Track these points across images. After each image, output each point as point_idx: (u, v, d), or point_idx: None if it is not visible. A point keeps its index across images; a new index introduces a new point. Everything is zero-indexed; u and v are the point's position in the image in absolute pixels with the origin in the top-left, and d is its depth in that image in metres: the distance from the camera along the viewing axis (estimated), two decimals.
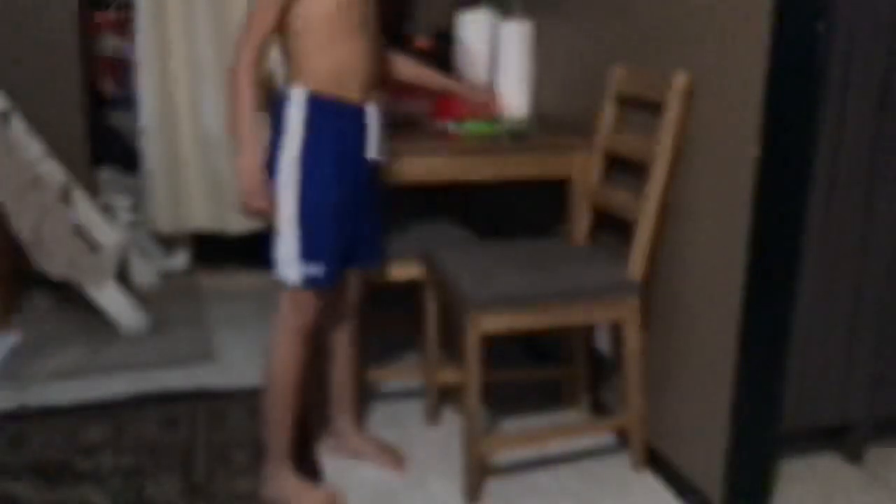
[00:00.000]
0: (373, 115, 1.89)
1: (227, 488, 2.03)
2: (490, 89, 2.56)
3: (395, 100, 2.27)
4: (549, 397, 2.50)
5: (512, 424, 2.38)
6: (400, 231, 2.34)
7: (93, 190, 3.49)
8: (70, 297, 3.05)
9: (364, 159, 1.90)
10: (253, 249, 2.82)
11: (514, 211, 2.97)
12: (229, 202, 3.34)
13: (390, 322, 2.91)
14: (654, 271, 2.09)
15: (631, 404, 2.10)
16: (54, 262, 2.88)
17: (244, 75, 1.74)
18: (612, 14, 2.24)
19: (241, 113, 1.75)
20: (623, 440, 2.24)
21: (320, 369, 2.16)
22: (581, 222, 2.30)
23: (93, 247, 3.13)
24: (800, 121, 1.73)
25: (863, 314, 2.01)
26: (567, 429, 2.33)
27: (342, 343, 2.14)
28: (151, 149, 3.39)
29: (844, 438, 2.20)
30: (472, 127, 2.33)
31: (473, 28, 2.68)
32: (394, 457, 2.17)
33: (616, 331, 2.24)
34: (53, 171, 3.15)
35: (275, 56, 1.85)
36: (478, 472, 2.02)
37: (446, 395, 2.40)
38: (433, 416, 2.39)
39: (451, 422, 2.38)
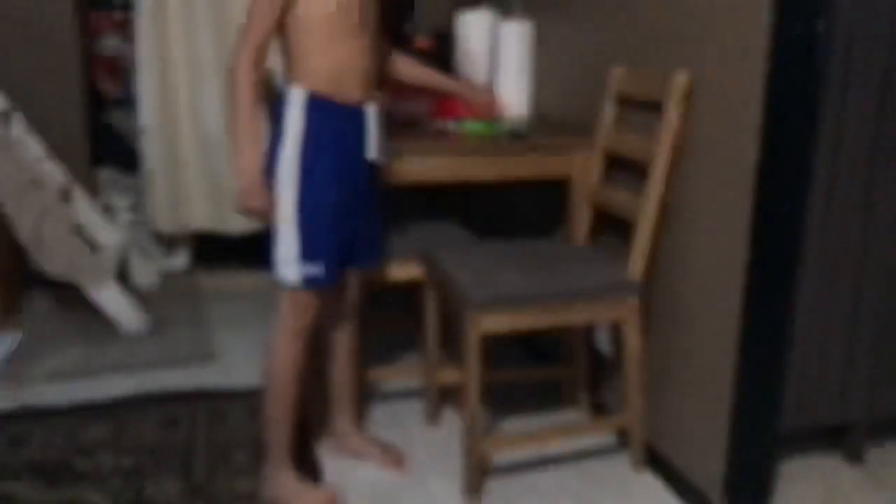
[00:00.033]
0: (372, 115, 1.89)
1: (227, 488, 2.03)
2: (490, 89, 2.56)
3: (395, 100, 2.27)
4: (549, 397, 2.50)
5: (512, 424, 2.38)
6: (400, 231, 2.34)
7: (93, 190, 3.50)
8: (70, 297, 3.05)
9: (363, 159, 1.90)
10: (253, 249, 2.82)
11: (514, 211, 2.97)
12: (229, 202, 3.34)
13: (390, 322, 2.91)
14: (654, 271, 2.10)
15: (631, 404, 2.10)
16: (54, 262, 2.88)
17: (244, 75, 1.74)
18: (612, 14, 2.24)
19: (241, 113, 1.75)
20: (623, 440, 2.24)
21: (320, 369, 2.16)
22: (581, 222, 2.30)
23: (93, 247, 3.12)
24: (800, 121, 1.73)
25: (863, 314, 2.01)
26: (567, 429, 2.34)
27: (342, 343, 2.14)
28: (151, 149, 3.39)
29: (844, 438, 2.20)
30: (472, 127, 2.33)
31: (473, 28, 2.68)
32: (394, 457, 2.17)
33: (616, 331, 2.24)
34: (53, 171, 3.15)
35: (275, 56, 1.85)
36: (478, 472, 2.02)
37: (446, 395, 2.40)
38: (433, 416, 2.39)
39: (451, 422, 2.38)
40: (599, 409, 2.44)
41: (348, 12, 1.79)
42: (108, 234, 3.25)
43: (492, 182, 2.35)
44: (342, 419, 2.20)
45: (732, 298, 1.83)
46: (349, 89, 1.83)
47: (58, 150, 3.27)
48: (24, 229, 2.83)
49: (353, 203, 1.89)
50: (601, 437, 2.31)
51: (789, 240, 1.80)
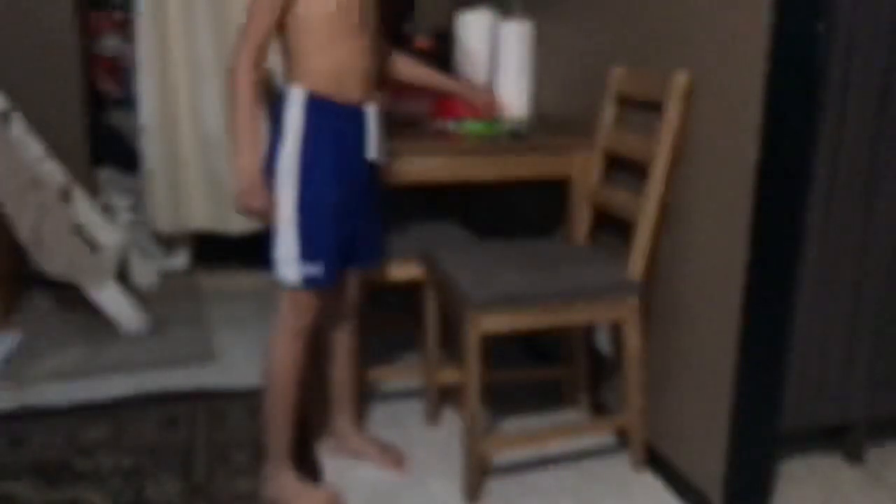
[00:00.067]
0: (372, 115, 1.89)
1: (227, 488, 2.03)
2: (490, 89, 2.56)
3: (395, 100, 2.27)
4: (549, 397, 2.50)
5: (512, 424, 2.38)
6: (400, 231, 2.34)
7: (93, 190, 3.50)
8: (70, 297, 3.05)
9: (363, 159, 1.90)
10: (253, 249, 2.82)
11: (514, 211, 2.97)
12: (229, 202, 3.34)
13: (390, 322, 2.91)
14: (654, 271, 2.10)
15: (631, 404, 2.10)
16: (54, 262, 2.88)
17: (244, 75, 1.74)
18: (612, 14, 2.24)
19: (241, 113, 1.75)
20: (623, 440, 2.24)
21: (320, 369, 2.16)
22: (581, 222, 2.30)
23: (93, 247, 3.12)
24: (800, 121, 1.73)
25: (863, 314, 2.01)
26: (567, 429, 2.33)
27: (342, 343, 2.14)
28: (151, 149, 3.39)
29: (844, 438, 2.20)
30: (472, 127, 2.33)
31: (473, 28, 2.68)
32: (394, 457, 2.17)
33: (616, 331, 2.24)
34: (53, 171, 3.15)
35: (275, 56, 1.85)
36: (478, 472, 2.02)
37: (446, 395, 2.40)
38: (433, 416, 2.39)
39: (451, 422, 2.38)
40: (599, 409, 2.44)
41: (348, 12, 1.79)
42: (108, 234, 3.25)
43: (492, 182, 2.35)
44: (342, 419, 2.20)
45: (732, 298, 1.83)
46: (349, 89, 1.83)
47: (58, 150, 3.27)
48: (24, 229, 2.83)
49: (353, 203, 1.89)
50: (601, 437, 2.31)
51: (789, 240, 1.80)
